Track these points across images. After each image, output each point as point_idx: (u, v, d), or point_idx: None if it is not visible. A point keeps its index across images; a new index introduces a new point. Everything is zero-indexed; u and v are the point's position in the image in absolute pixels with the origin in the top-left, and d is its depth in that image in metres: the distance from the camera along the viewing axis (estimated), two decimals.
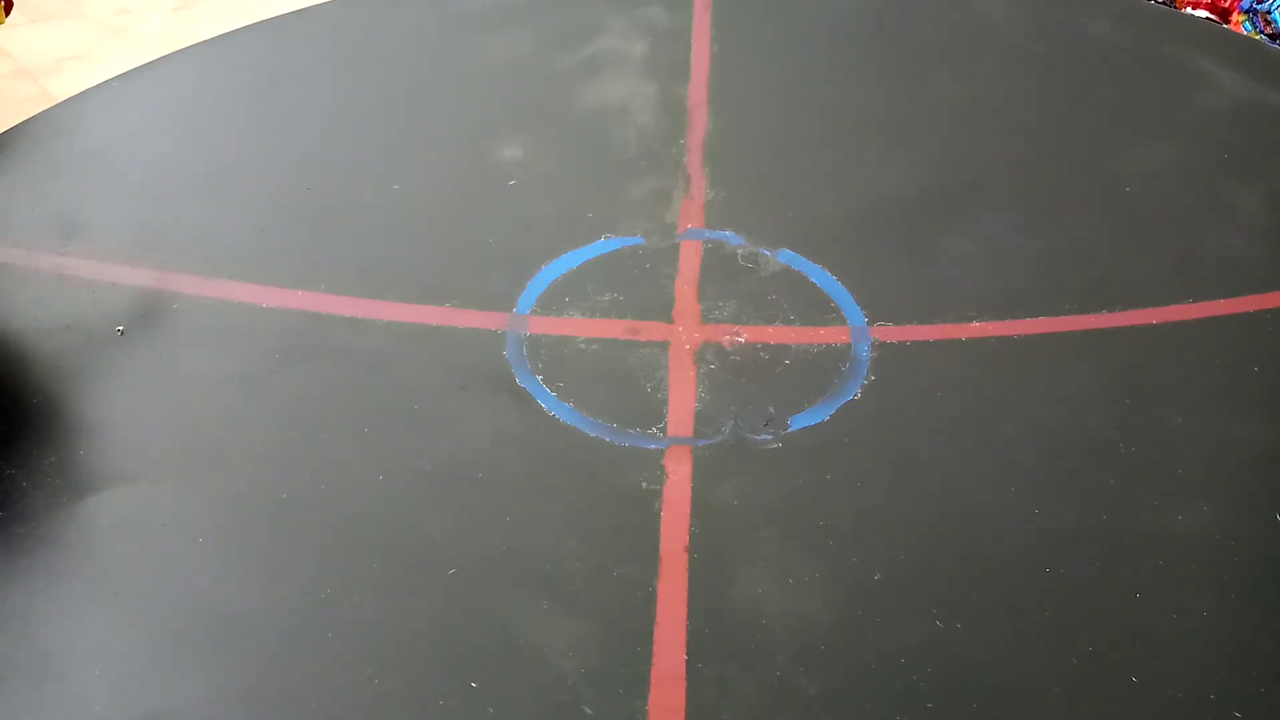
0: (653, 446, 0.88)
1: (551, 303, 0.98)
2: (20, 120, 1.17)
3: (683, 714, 0.72)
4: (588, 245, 1.04)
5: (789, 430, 0.89)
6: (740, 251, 1.04)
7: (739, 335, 0.96)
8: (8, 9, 1.17)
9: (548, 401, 0.90)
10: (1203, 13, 1.88)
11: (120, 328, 0.94)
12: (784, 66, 1.29)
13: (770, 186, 1.14)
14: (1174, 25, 1.41)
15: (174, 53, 1.27)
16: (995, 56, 1.31)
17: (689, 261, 1.03)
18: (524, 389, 0.91)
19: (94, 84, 1.22)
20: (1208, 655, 0.77)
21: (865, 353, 0.95)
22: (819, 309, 0.99)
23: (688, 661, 0.74)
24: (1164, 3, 1.88)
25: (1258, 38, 1.83)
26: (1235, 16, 1.89)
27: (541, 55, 1.27)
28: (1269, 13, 1.85)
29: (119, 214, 1.07)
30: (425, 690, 0.73)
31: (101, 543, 0.82)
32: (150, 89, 1.22)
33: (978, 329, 0.98)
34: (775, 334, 0.97)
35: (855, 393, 0.92)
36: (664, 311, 0.98)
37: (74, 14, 2.59)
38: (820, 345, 0.96)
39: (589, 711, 0.72)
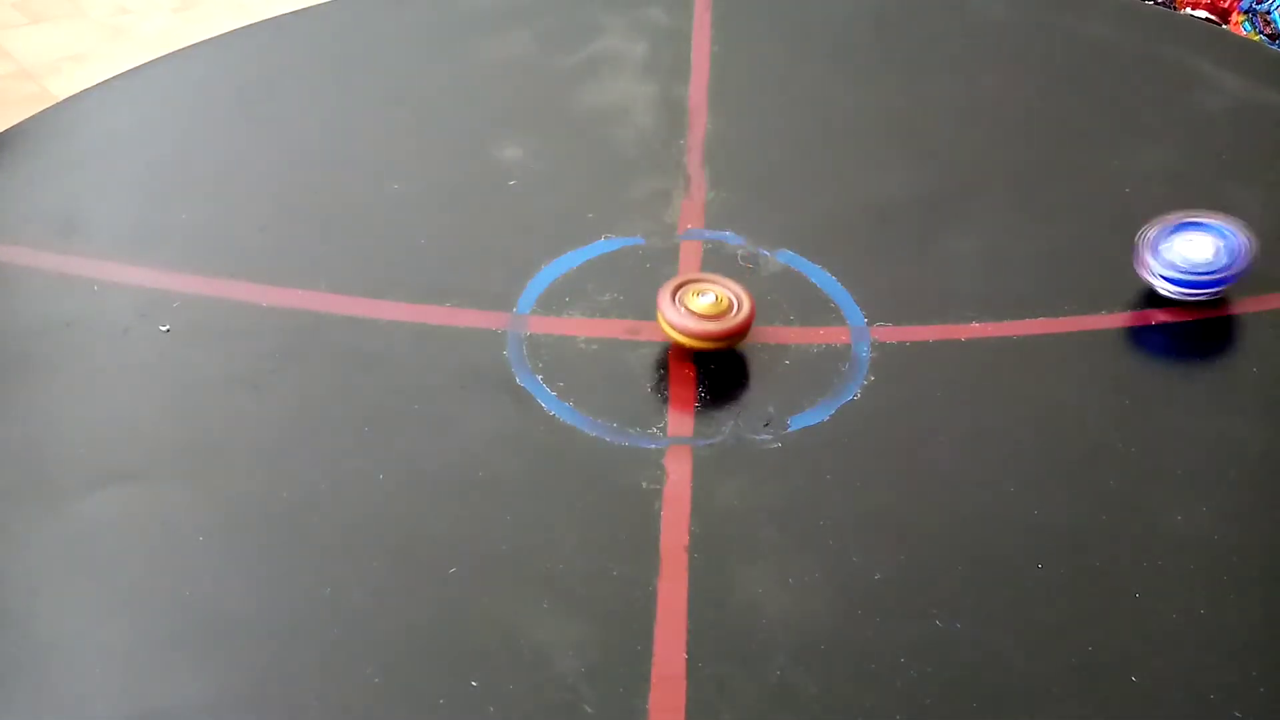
0: (653, 446, 0.88)
1: (551, 303, 0.98)
2: (20, 120, 1.17)
3: (683, 714, 0.72)
4: (588, 245, 1.04)
5: (789, 430, 0.89)
6: (740, 251, 1.04)
7: None
8: None
9: (548, 401, 0.90)
10: (1203, 13, 1.88)
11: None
12: (784, 66, 1.29)
13: (770, 186, 1.14)
14: (1174, 25, 1.42)
15: (174, 53, 1.27)
16: (995, 56, 1.31)
17: (689, 261, 1.03)
18: (524, 389, 0.92)
19: (94, 84, 1.22)
20: (1208, 655, 0.77)
21: (865, 353, 0.95)
22: (819, 309, 0.99)
23: (688, 661, 0.74)
24: (1164, 3, 1.88)
25: (1257, 38, 1.83)
26: (1235, 17, 1.89)
27: (541, 55, 1.27)
28: (1269, 13, 1.85)
29: (119, 214, 1.07)
30: (425, 690, 0.73)
31: (101, 543, 0.82)
32: (150, 89, 1.22)
33: (978, 329, 0.98)
34: (775, 334, 0.97)
35: (855, 393, 0.92)
36: None
37: (74, 14, 2.59)
38: (820, 345, 0.96)
39: (589, 711, 0.72)
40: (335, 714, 0.73)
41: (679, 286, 0.93)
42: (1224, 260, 0.86)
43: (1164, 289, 0.87)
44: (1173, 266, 0.86)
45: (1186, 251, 0.86)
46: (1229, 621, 0.78)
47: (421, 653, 0.76)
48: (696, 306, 0.91)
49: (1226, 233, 0.87)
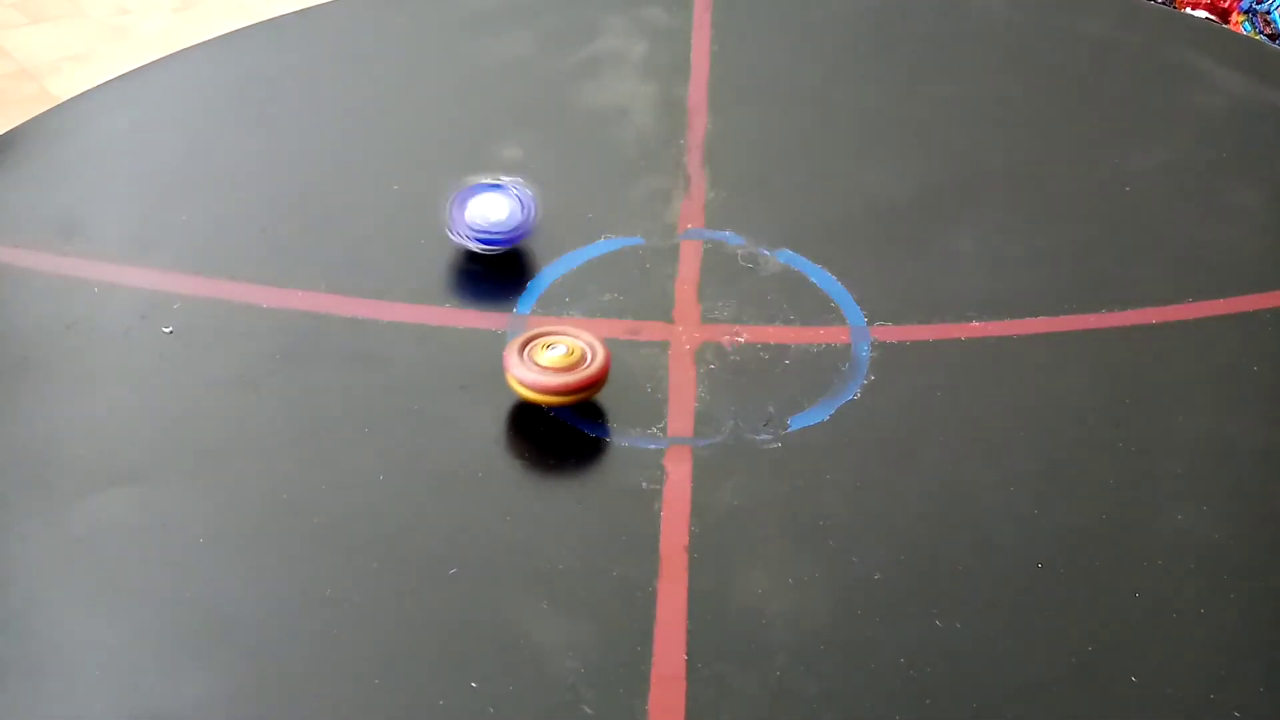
0: (653, 446, 0.88)
1: (551, 303, 0.98)
2: (20, 120, 1.17)
3: (682, 714, 0.72)
4: (588, 245, 1.04)
5: (789, 430, 0.89)
6: (740, 251, 1.04)
7: (739, 335, 0.97)
8: None
9: None
10: (1202, 13, 1.88)
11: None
12: (784, 66, 1.29)
13: (770, 186, 1.14)
14: (1174, 25, 1.42)
15: (174, 53, 1.27)
16: (995, 56, 1.31)
17: (689, 261, 1.03)
18: None
19: (94, 84, 1.22)
20: (1208, 655, 0.77)
21: (865, 353, 0.95)
22: (819, 309, 0.99)
23: (688, 661, 0.74)
24: (1164, 3, 1.88)
25: (1257, 38, 1.83)
26: (1235, 17, 1.89)
27: (541, 55, 1.27)
28: (1269, 13, 1.85)
29: (119, 214, 1.07)
30: (425, 690, 0.73)
31: (102, 544, 0.82)
32: (150, 89, 1.22)
33: (978, 329, 0.98)
34: (775, 334, 0.97)
35: (855, 393, 0.92)
36: (664, 311, 0.98)
37: (74, 14, 2.59)
38: (820, 345, 0.96)
39: (589, 711, 0.72)
40: (335, 714, 0.73)
41: (526, 342, 0.88)
42: (516, 217, 1.00)
43: (469, 245, 1.00)
44: (473, 225, 0.99)
45: (483, 210, 0.99)
46: (1229, 621, 0.78)
47: (421, 653, 0.76)
48: (546, 360, 0.87)
49: (516, 192, 1.00)
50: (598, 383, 0.88)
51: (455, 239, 1.00)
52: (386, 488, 0.85)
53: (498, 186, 1.00)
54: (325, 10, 1.35)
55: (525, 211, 0.99)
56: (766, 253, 1.04)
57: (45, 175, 1.11)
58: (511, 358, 0.88)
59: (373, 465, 0.87)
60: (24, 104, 2.22)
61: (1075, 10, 1.37)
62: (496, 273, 1.02)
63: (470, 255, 1.00)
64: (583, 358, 0.87)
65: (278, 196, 1.10)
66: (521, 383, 0.87)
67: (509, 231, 0.99)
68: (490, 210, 0.98)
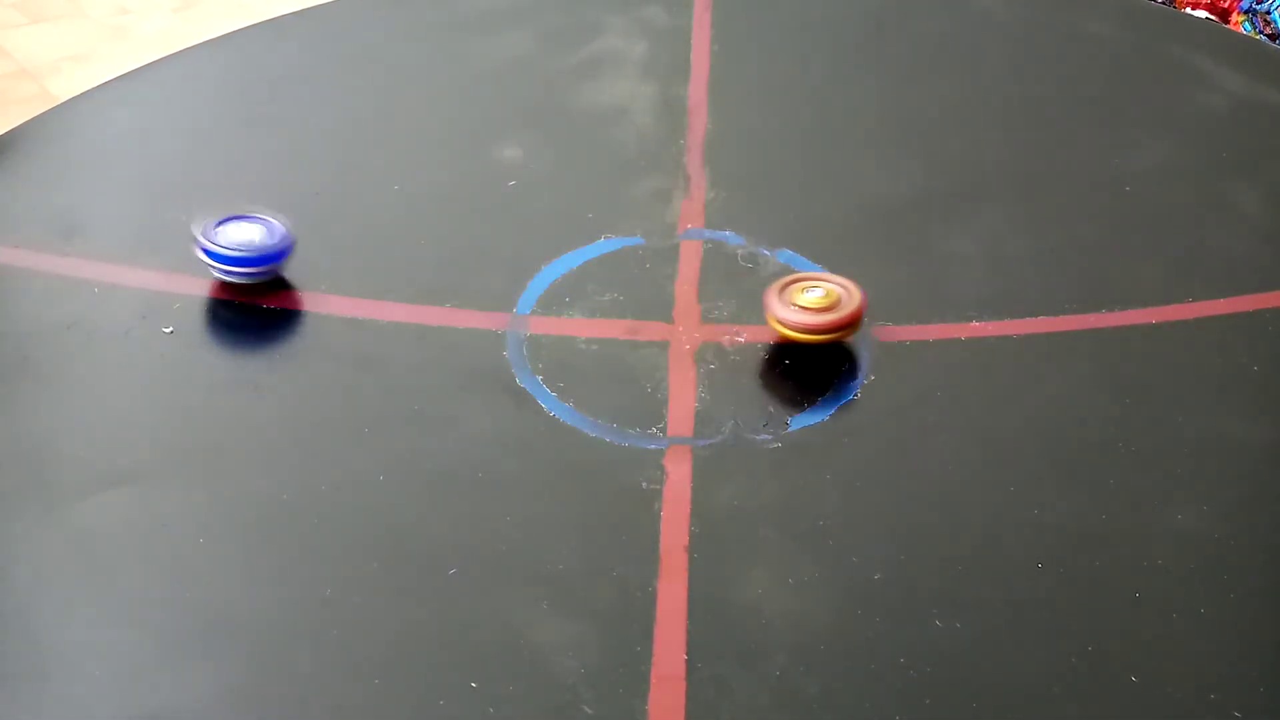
0: (653, 446, 0.88)
1: (552, 303, 0.98)
2: (21, 120, 1.17)
3: (682, 714, 0.72)
4: (588, 245, 1.04)
5: (789, 430, 0.89)
6: (740, 251, 1.04)
7: (739, 335, 0.96)
8: None
9: (548, 401, 0.91)
10: (1202, 13, 1.88)
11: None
12: (784, 66, 1.29)
13: (770, 186, 1.14)
14: (1174, 25, 1.42)
15: (174, 53, 1.27)
16: (995, 56, 1.31)
17: (689, 261, 1.03)
18: (524, 389, 0.92)
19: (94, 84, 1.22)
20: (1208, 655, 0.77)
21: (865, 353, 0.95)
22: None
23: (688, 661, 0.74)
24: (1164, 3, 1.88)
25: (1257, 38, 1.83)
26: (1235, 17, 1.89)
27: (541, 55, 1.27)
28: (1269, 13, 1.85)
29: (119, 214, 1.07)
30: (425, 690, 0.73)
31: (102, 544, 0.82)
32: (150, 89, 1.22)
33: (978, 329, 0.98)
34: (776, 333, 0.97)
35: (855, 393, 0.92)
36: (664, 311, 0.98)
37: (74, 14, 2.59)
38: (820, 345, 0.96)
39: (589, 711, 0.72)
40: (335, 714, 0.73)
41: (784, 286, 0.94)
42: (269, 244, 0.97)
43: (217, 270, 0.97)
44: (223, 251, 0.97)
45: (236, 237, 0.97)
46: (1229, 621, 0.78)
47: (421, 653, 0.76)
48: (805, 301, 0.92)
49: (269, 223, 0.99)
50: (855, 322, 0.93)
51: (206, 263, 0.97)
52: (386, 488, 0.85)
53: (251, 218, 0.99)
54: (325, 10, 1.35)
55: (274, 242, 0.98)
56: (766, 253, 1.04)
57: (45, 175, 1.11)
58: (773, 300, 0.92)
59: (373, 465, 0.87)
60: (24, 104, 2.22)
61: (1075, 10, 1.37)
62: (496, 273, 1.02)
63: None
64: (839, 299, 0.92)
65: (278, 197, 1.10)
66: (784, 323, 0.92)
67: (255, 261, 0.97)
68: (238, 237, 0.97)
